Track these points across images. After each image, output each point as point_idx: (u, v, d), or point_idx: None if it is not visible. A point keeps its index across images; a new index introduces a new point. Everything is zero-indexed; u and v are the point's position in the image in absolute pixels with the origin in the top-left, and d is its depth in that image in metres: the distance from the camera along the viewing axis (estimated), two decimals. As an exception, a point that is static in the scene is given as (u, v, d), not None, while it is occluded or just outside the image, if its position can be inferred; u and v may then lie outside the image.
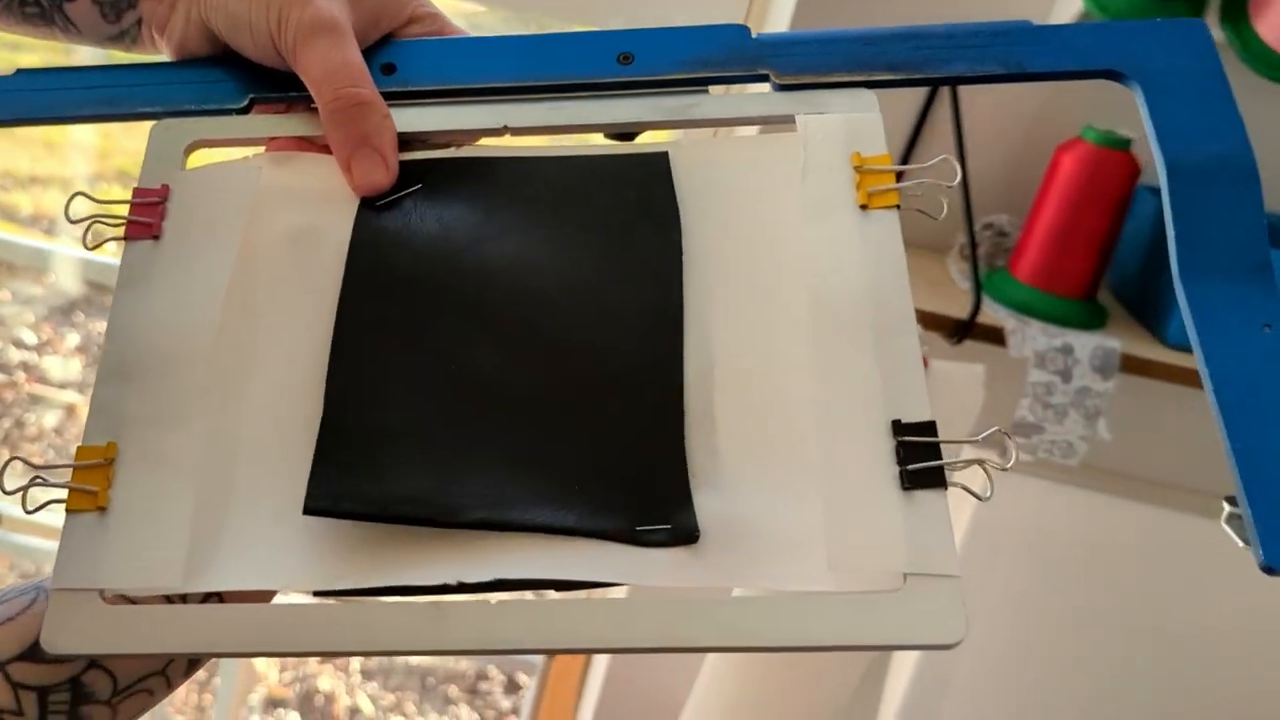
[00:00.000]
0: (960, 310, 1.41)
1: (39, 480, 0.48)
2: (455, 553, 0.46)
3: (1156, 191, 1.43)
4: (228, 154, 0.59)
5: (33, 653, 0.48)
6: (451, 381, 0.51)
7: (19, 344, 3.02)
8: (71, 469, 0.48)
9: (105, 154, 3.04)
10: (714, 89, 0.59)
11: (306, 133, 0.59)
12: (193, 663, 0.53)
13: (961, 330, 1.41)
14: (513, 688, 2.77)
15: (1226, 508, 0.48)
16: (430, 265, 0.54)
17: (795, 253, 0.53)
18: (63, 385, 3.00)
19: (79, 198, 0.55)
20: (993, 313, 1.42)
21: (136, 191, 0.56)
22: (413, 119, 0.58)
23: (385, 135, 0.57)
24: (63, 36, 0.63)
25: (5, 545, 2.30)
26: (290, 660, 2.66)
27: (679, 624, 0.44)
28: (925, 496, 0.46)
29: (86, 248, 0.55)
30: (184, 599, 0.47)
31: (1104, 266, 1.43)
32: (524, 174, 0.58)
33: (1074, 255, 1.41)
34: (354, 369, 0.51)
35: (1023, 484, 1.62)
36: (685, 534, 0.46)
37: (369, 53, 0.59)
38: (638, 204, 0.56)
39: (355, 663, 2.71)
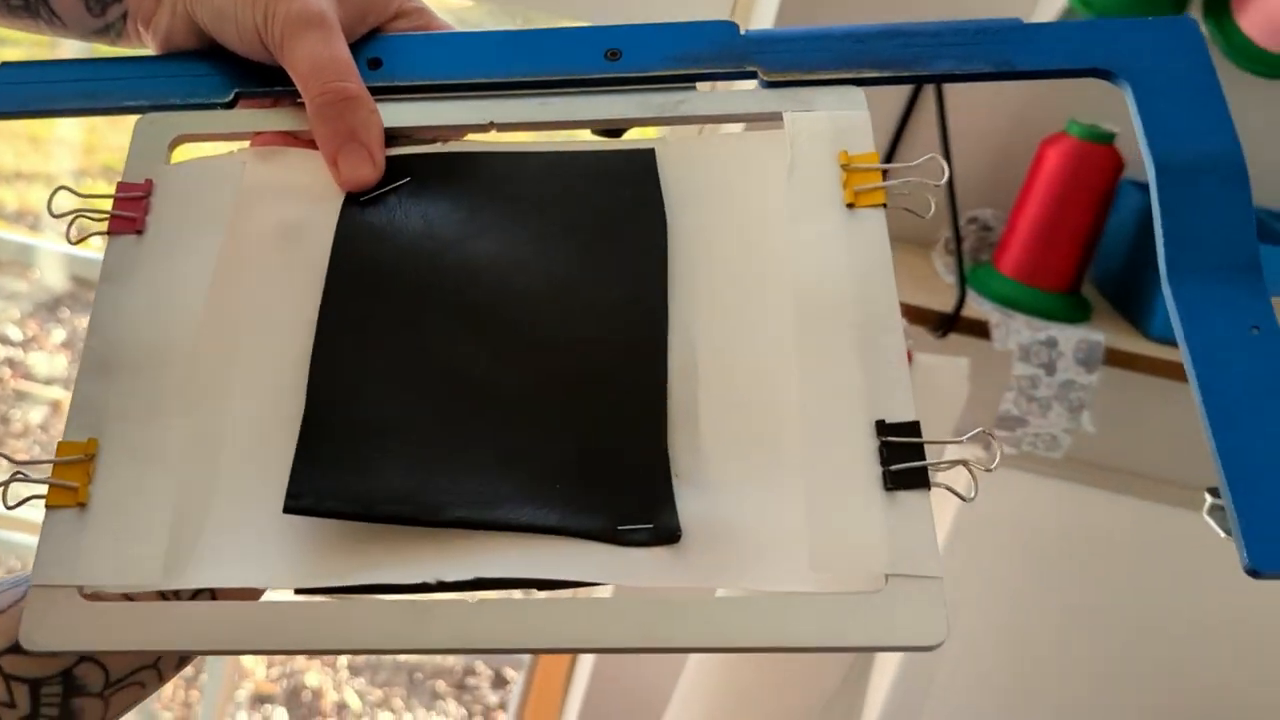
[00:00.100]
0: (945, 304, 1.41)
1: (20, 476, 0.47)
2: (437, 551, 0.46)
3: (1140, 185, 1.45)
4: (212, 149, 0.59)
5: None
6: (434, 379, 0.51)
7: (4, 340, 3.01)
8: (52, 465, 0.48)
9: (91, 149, 3.03)
10: (701, 85, 0.58)
11: (292, 128, 0.59)
12: (185, 656, 0.53)
13: (946, 324, 1.41)
14: (500, 683, 2.78)
15: (1209, 499, 0.48)
16: (415, 261, 0.54)
17: (781, 251, 0.53)
18: (48, 381, 2.99)
19: (62, 192, 0.55)
20: (977, 306, 1.42)
21: (120, 186, 0.56)
22: (399, 114, 0.58)
23: (372, 130, 0.56)
24: (47, 30, 0.63)
25: (-10, 541, 2.30)
26: (278, 656, 2.66)
27: (660, 624, 0.43)
28: (908, 497, 0.46)
29: (70, 242, 0.55)
30: (177, 595, 0.47)
31: (1088, 260, 1.44)
32: (510, 170, 0.58)
33: (1058, 249, 1.41)
34: (336, 366, 0.51)
35: (1007, 477, 1.62)
36: (667, 534, 0.46)
37: (355, 47, 0.58)
38: (623, 201, 0.56)
39: (343, 659, 2.71)
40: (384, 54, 0.59)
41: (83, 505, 0.47)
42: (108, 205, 0.55)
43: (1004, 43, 0.57)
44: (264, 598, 0.48)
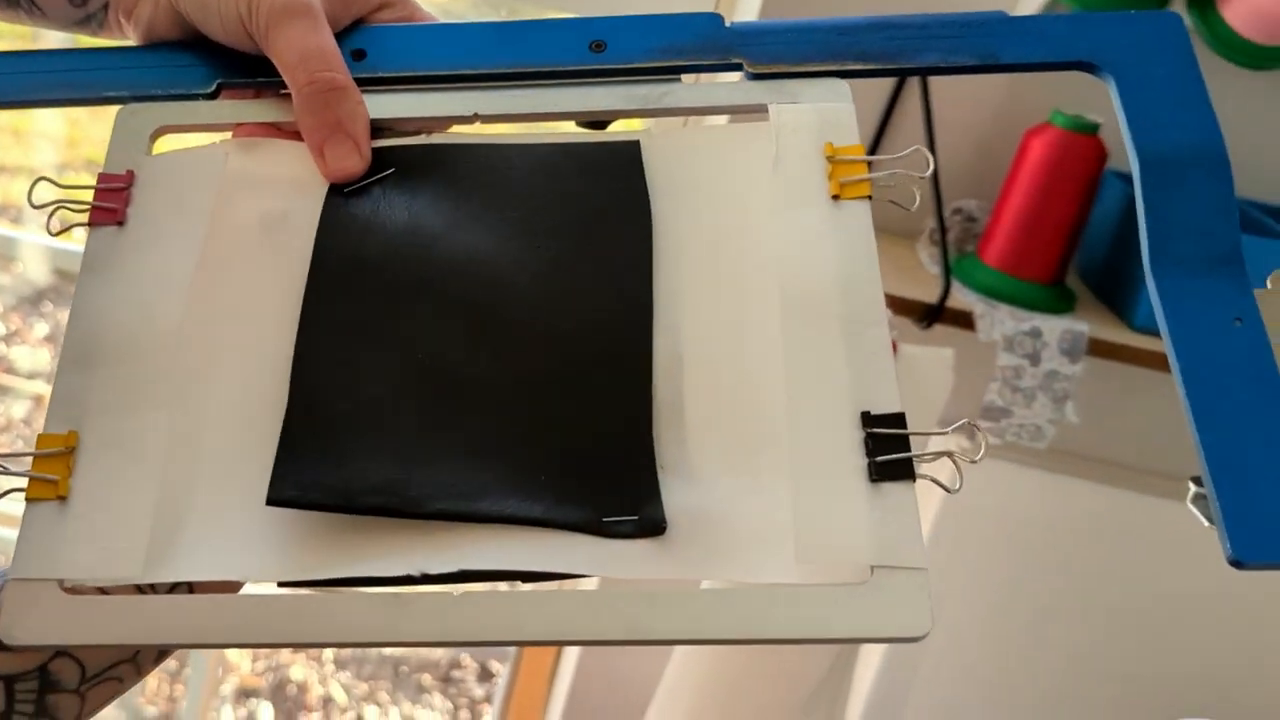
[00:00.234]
0: (930, 295, 1.42)
1: None
2: (420, 543, 0.46)
3: (1124, 176, 1.45)
4: (194, 139, 0.59)
5: None
6: (418, 371, 0.50)
7: (-14, 334, 3.00)
8: (32, 458, 0.48)
9: (73, 142, 3.02)
10: (686, 77, 0.58)
11: (275, 119, 0.58)
12: (163, 651, 0.53)
13: (931, 315, 1.42)
14: (486, 676, 2.78)
15: (1192, 488, 0.48)
16: (398, 253, 0.54)
17: (766, 243, 0.53)
18: (31, 376, 2.98)
19: (43, 183, 0.55)
20: (962, 297, 1.42)
21: (101, 177, 0.55)
22: (383, 105, 0.58)
23: (359, 121, 0.56)
24: (28, 20, 0.63)
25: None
26: (262, 650, 2.66)
27: (645, 616, 0.43)
28: (893, 488, 0.46)
29: (50, 233, 0.55)
30: (154, 589, 0.47)
31: (1072, 251, 1.44)
32: (494, 162, 0.58)
33: (1042, 240, 1.42)
34: (319, 358, 0.51)
35: (991, 468, 1.63)
36: (652, 526, 0.46)
37: (339, 38, 0.58)
38: (608, 193, 0.56)
39: (328, 652, 2.71)
40: (368, 45, 0.59)
41: (63, 498, 0.47)
42: (89, 196, 0.55)
43: (989, 35, 0.57)
44: (247, 591, 0.48)
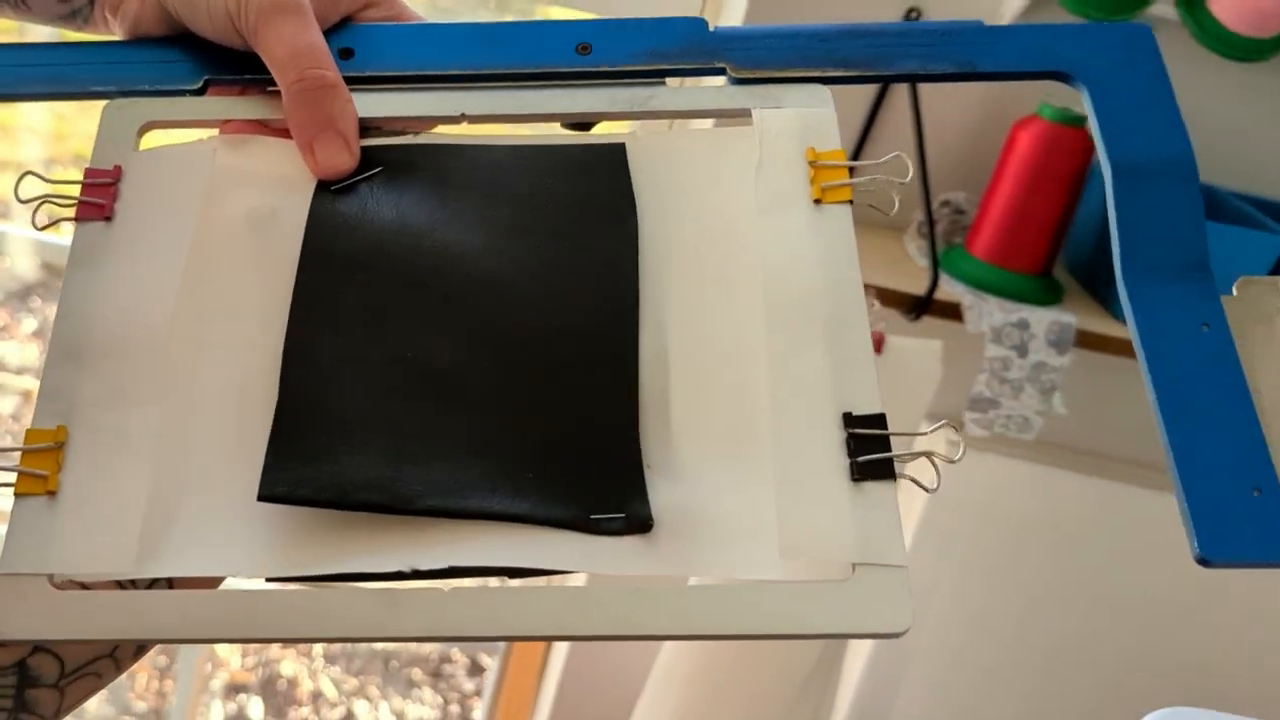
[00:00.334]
0: (918, 287, 1.42)
1: None
2: (410, 539, 0.46)
3: (1110, 168, 1.45)
4: (180, 135, 0.59)
5: None
6: (407, 368, 0.51)
7: (-26, 330, 2.99)
8: (20, 453, 0.47)
9: (60, 137, 3.01)
10: (671, 81, 0.59)
11: (262, 116, 0.58)
12: (142, 646, 0.53)
13: (919, 307, 1.42)
14: (476, 670, 2.78)
15: None
16: (386, 251, 0.54)
17: (750, 246, 0.53)
18: (19, 371, 2.97)
19: (29, 177, 0.55)
20: (950, 289, 1.43)
21: (88, 172, 0.55)
22: (371, 104, 0.58)
23: (348, 119, 0.56)
24: (12, 14, 0.63)
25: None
26: (252, 645, 2.66)
27: (633, 612, 0.44)
28: (875, 488, 0.46)
29: (36, 228, 0.54)
30: (133, 584, 0.47)
31: (1059, 243, 1.44)
32: (481, 162, 0.58)
33: (1030, 232, 1.42)
34: (309, 355, 0.51)
35: (979, 459, 1.63)
36: (639, 523, 0.47)
37: (327, 36, 0.58)
38: (595, 194, 0.56)
39: (318, 647, 2.71)
40: (356, 44, 0.59)
41: (52, 493, 0.47)
42: (75, 191, 0.55)
43: (967, 45, 0.58)
44: (240, 585, 0.48)
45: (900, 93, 1.50)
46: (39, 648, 0.49)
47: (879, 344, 1.44)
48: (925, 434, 0.47)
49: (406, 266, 0.54)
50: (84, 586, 0.46)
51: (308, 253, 0.54)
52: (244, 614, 0.44)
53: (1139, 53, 0.57)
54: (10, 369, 2.97)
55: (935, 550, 1.70)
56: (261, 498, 0.46)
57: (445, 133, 0.60)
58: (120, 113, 0.58)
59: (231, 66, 0.58)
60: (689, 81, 0.60)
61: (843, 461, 0.47)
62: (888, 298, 1.41)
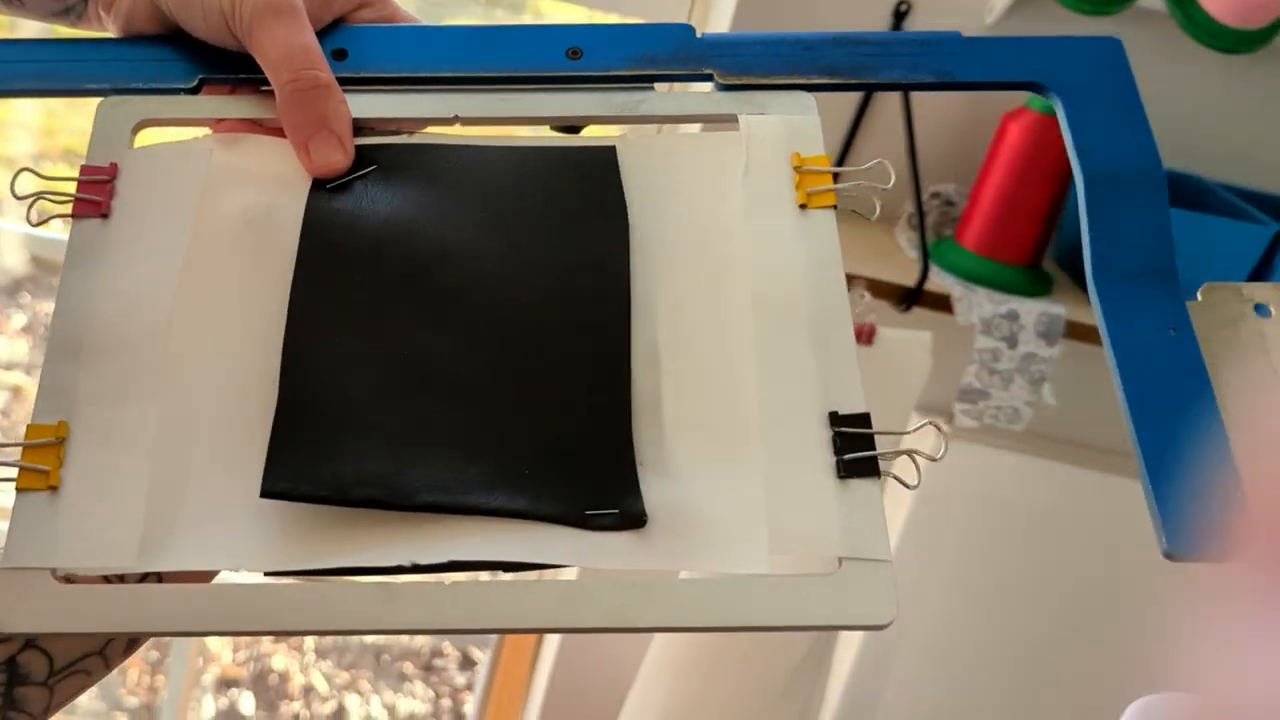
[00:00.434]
0: (908, 278, 1.43)
1: None
2: (409, 534, 0.47)
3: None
4: (173, 134, 0.59)
5: None
6: (404, 366, 0.51)
7: (-37, 325, 2.99)
8: (21, 448, 0.48)
9: (50, 132, 3.01)
10: (659, 86, 0.60)
11: (257, 115, 0.59)
12: (131, 643, 0.53)
13: (910, 298, 1.43)
14: (468, 664, 2.78)
15: None
16: (382, 249, 0.55)
17: (738, 248, 0.55)
18: (9, 367, 2.97)
19: (25, 173, 0.55)
20: (940, 280, 1.43)
21: (84, 169, 0.55)
22: (364, 105, 0.58)
23: (342, 118, 0.57)
24: (4, 9, 0.63)
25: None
26: (244, 639, 2.66)
27: (626, 605, 0.45)
28: (860, 485, 0.48)
29: (30, 224, 0.55)
30: (121, 579, 0.47)
31: (1049, 234, 1.45)
32: (475, 162, 0.58)
33: (1019, 223, 1.43)
34: (308, 352, 0.51)
35: (969, 450, 1.64)
36: (633, 519, 0.48)
37: (320, 37, 0.58)
38: (586, 195, 0.57)
39: (309, 641, 2.71)
40: (350, 45, 0.60)
41: (54, 489, 0.47)
42: (71, 188, 0.55)
43: (946, 55, 0.59)
44: (240, 579, 0.48)
45: (884, 97, 1.50)
46: (28, 645, 0.49)
47: (870, 335, 1.44)
48: (909, 433, 0.49)
49: (402, 264, 0.54)
50: (68, 580, 0.46)
51: (305, 250, 0.54)
52: (248, 607, 0.45)
53: (1110, 65, 0.59)
54: (-1, 364, 2.96)
55: (925, 540, 1.70)
56: (265, 494, 0.47)
57: (438, 133, 0.61)
58: (115, 110, 0.58)
59: (226, 66, 0.59)
60: (677, 87, 0.61)
61: (829, 459, 0.49)
62: (878, 289, 1.41)
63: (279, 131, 0.57)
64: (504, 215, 0.56)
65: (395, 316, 0.53)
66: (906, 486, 0.48)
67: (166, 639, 2.23)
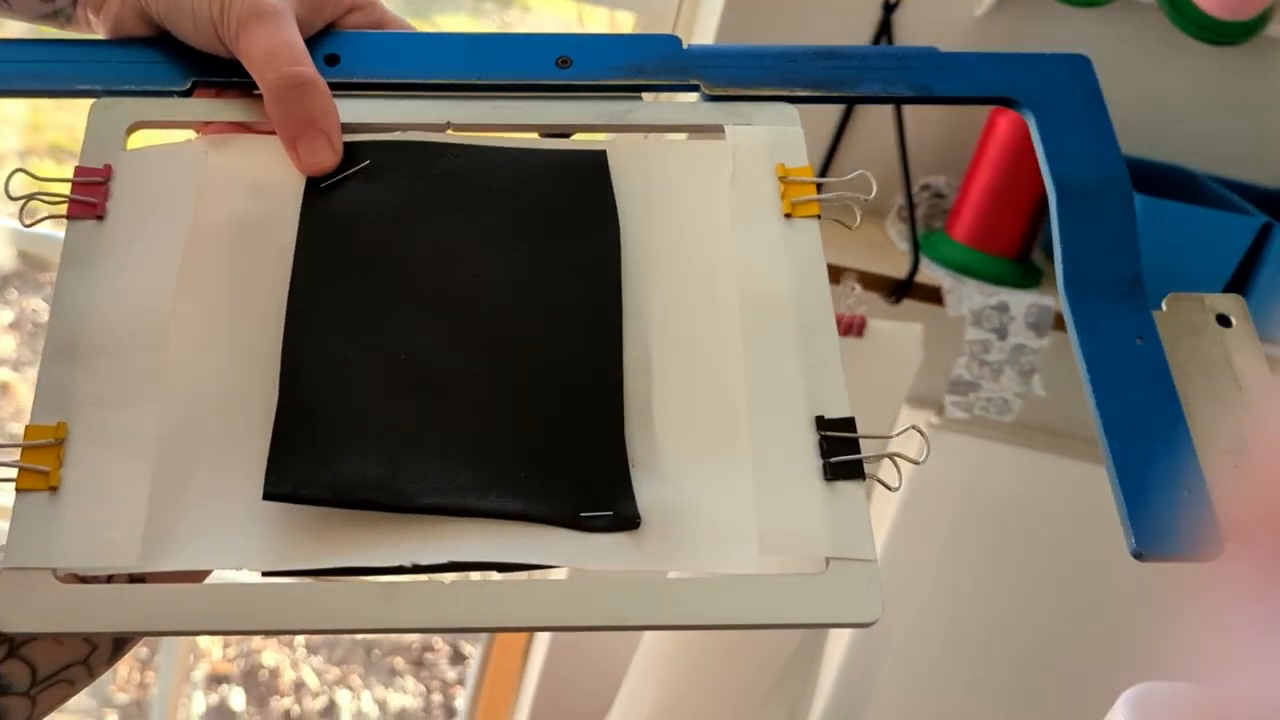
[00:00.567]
0: (899, 270, 1.43)
1: None
2: (409, 535, 0.48)
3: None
4: (163, 136, 0.59)
5: None
6: (400, 369, 0.52)
7: (-50, 321, 2.98)
8: (20, 449, 0.48)
9: (36, 128, 3.00)
10: (646, 95, 0.61)
11: (248, 118, 0.59)
12: (115, 651, 0.53)
13: (900, 290, 1.43)
14: (458, 659, 2.78)
15: None
16: (378, 250, 0.55)
17: (725, 255, 0.56)
18: (-4, 363, 2.96)
19: (19, 174, 0.55)
20: (930, 272, 1.44)
21: (78, 170, 0.55)
22: (356, 111, 0.59)
23: (330, 116, 0.57)
24: None
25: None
26: (233, 636, 2.65)
27: (620, 604, 0.46)
28: (845, 487, 0.50)
29: (24, 225, 0.55)
30: (109, 580, 0.47)
31: (1038, 226, 1.45)
32: (467, 162, 0.59)
33: (1009, 215, 1.43)
34: (308, 354, 0.52)
35: (959, 441, 1.64)
36: (626, 520, 0.49)
37: (312, 43, 0.59)
38: (577, 199, 0.58)
39: (300, 637, 2.71)
40: (341, 50, 0.60)
41: (54, 489, 0.47)
42: (65, 189, 0.55)
43: (922, 70, 0.61)
44: (236, 579, 0.48)
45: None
46: (11, 654, 0.49)
47: (860, 327, 1.45)
48: (894, 436, 0.51)
49: (397, 266, 0.55)
50: (60, 580, 0.46)
51: (301, 251, 0.55)
52: (248, 606, 0.45)
53: (1079, 81, 0.61)
54: (-13, 361, 2.95)
55: (916, 532, 1.71)
56: (267, 496, 0.48)
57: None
58: (108, 112, 0.58)
59: (217, 69, 0.59)
60: (664, 96, 0.62)
61: (816, 462, 0.50)
62: (869, 281, 1.42)
63: (271, 133, 0.58)
64: (497, 218, 0.57)
65: (391, 319, 0.53)
66: (889, 489, 0.50)
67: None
